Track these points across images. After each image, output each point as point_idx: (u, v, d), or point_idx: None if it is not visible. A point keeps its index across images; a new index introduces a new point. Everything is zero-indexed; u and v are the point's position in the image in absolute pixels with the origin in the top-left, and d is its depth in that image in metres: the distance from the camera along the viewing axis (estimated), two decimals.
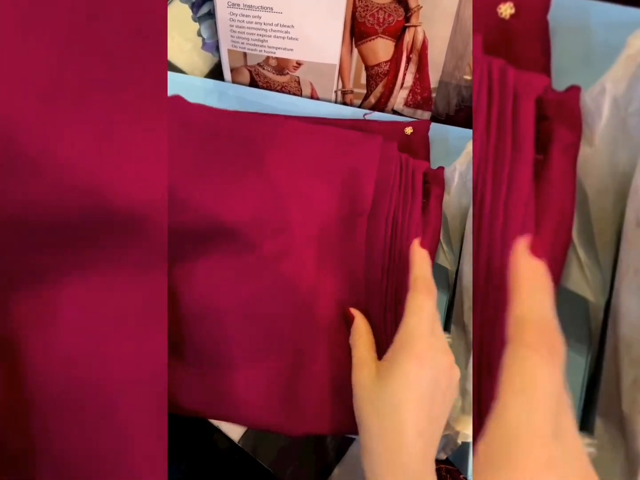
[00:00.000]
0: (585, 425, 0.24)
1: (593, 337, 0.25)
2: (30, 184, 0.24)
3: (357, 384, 0.31)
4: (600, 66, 0.24)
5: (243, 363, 0.38)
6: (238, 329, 0.38)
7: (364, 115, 0.46)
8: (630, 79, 0.22)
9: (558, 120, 0.23)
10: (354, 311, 0.36)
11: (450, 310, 0.42)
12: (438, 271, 0.43)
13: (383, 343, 0.38)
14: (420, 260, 0.34)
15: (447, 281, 0.43)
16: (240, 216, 0.40)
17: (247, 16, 0.42)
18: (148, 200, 0.27)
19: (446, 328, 0.42)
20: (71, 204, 0.26)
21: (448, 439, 0.38)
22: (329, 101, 0.47)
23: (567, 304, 0.25)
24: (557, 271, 0.23)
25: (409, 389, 0.27)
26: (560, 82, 0.25)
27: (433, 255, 0.42)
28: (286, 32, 0.43)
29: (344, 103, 0.47)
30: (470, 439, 0.36)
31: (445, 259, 0.43)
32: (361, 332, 0.35)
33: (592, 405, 0.24)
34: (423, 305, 0.31)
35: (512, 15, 0.30)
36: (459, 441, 0.37)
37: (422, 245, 0.36)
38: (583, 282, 0.24)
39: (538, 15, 0.29)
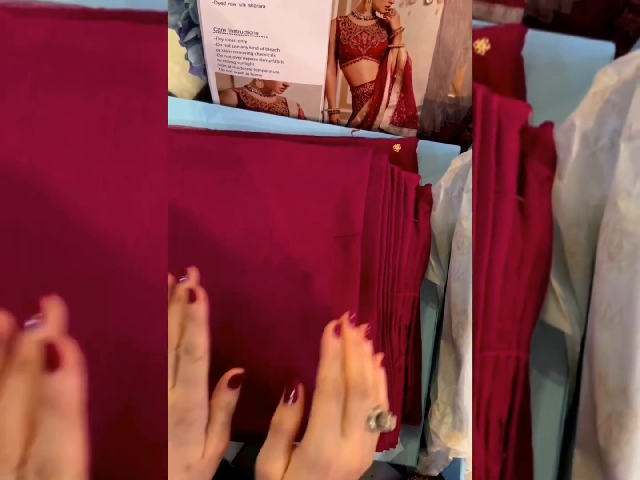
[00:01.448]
0: (564, 456, 0.25)
1: (571, 368, 0.25)
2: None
3: (265, 476, 0.29)
4: (574, 100, 0.24)
5: None
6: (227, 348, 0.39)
7: (352, 133, 0.47)
8: (598, 115, 0.23)
9: (532, 154, 0.24)
10: (301, 389, 0.31)
11: (439, 325, 0.43)
12: (427, 287, 0.43)
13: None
14: (332, 355, 0.31)
15: (436, 296, 0.44)
16: (232, 237, 0.40)
17: (233, 40, 0.43)
18: (149, 235, 0.28)
19: (436, 343, 0.43)
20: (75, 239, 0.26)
21: (439, 455, 0.39)
22: (316, 121, 0.47)
23: (545, 335, 0.25)
24: (537, 304, 0.24)
25: None
26: (535, 117, 0.25)
27: (423, 271, 0.43)
28: (272, 55, 0.43)
29: (331, 123, 0.48)
30: (461, 455, 0.37)
31: (434, 275, 0.43)
32: (293, 419, 0.30)
33: (571, 436, 0.24)
34: (331, 413, 0.29)
35: (487, 51, 0.31)
36: (450, 457, 0.37)
37: (337, 332, 0.32)
38: (559, 314, 0.24)
39: (513, 51, 0.30)
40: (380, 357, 0.34)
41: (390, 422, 0.30)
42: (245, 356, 0.38)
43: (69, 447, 0.20)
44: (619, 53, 0.30)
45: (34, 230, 0.26)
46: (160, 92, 0.28)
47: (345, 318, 0.32)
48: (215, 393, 0.31)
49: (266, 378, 0.38)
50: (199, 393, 0.29)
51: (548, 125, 0.24)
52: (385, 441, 0.38)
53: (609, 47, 0.30)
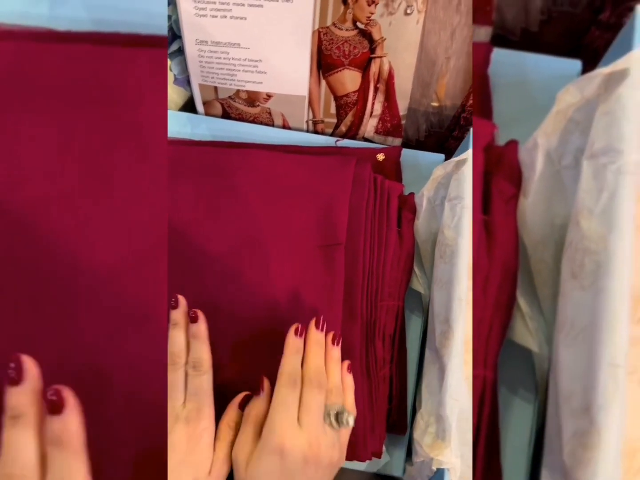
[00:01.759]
0: (533, 475, 0.25)
1: (539, 386, 0.25)
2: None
3: (236, 461, 0.31)
4: (541, 118, 0.24)
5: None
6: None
7: (335, 142, 0.47)
8: (562, 134, 0.23)
9: (498, 173, 0.24)
10: (267, 383, 0.34)
11: (425, 333, 0.43)
12: (413, 295, 0.43)
13: (363, 369, 0.39)
14: (291, 353, 0.33)
15: (421, 305, 0.44)
16: (216, 247, 0.40)
17: (215, 52, 0.43)
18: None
19: (422, 352, 0.43)
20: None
21: (424, 465, 0.39)
22: (301, 131, 0.47)
23: (513, 353, 0.25)
24: (504, 322, 0.24)
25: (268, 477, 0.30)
26: (501, 135, 0.25)
27: (407, 280, 0.43)
28: (254, 66, 0.43)
29: (316, 132, 0.48)
30: (444, 465, 0.37)
31: (418, 283, 0.43)
32: (260, 409, 0.33)
33: (541, 455, 0.24)
34: (286, 399, 0.32)
35: None
36: (434, 467, 0.37)
37: (298, 332, 0.34)
38: (526, 333, 0.24)
39: (479, 70, 0.29)
40: (347, 363, 0.36)
41: (348, 420, 0.33)
42: (229, 364, 0.39)
43: (77, 478, 0.23)
44: (586, 70, 0.30)
45: (7, 256, 0.26)
46: (144, 111, 0.28)
47: (312, 321, 0.35)
48: (226, 412, 0.34)
49: (248, 388, 0.38)
50: (207, 404, 0.32)
51: (513, 144, 0.24)
52: (368, 451, 0.38)
53: (576, 64, 0.30)
